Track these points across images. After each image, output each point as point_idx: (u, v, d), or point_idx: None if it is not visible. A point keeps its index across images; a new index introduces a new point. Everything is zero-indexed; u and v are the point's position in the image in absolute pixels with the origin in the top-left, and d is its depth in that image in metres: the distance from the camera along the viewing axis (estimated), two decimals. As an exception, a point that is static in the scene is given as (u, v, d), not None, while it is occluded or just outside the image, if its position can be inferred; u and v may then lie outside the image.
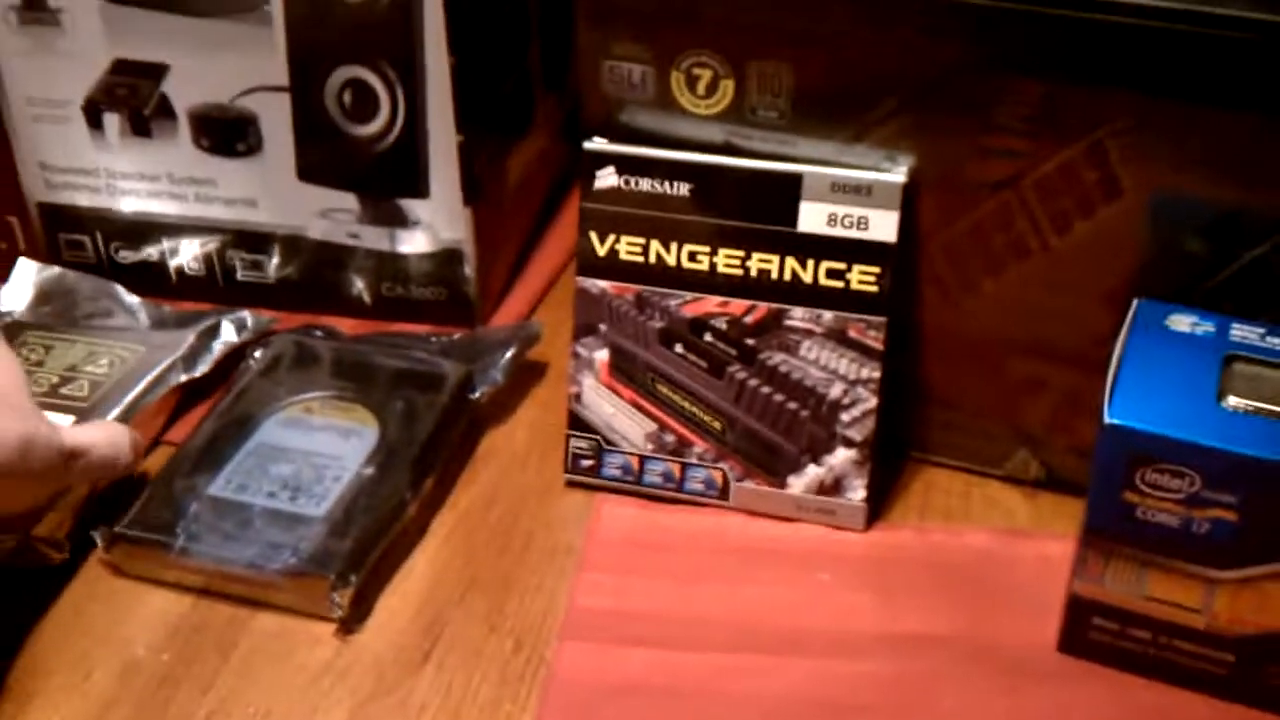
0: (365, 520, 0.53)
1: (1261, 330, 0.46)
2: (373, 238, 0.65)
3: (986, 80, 0.48)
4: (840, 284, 0.52)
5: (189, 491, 0.54)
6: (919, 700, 0.48)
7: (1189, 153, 0.47)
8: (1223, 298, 0.49)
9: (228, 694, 0.48)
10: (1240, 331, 0.46)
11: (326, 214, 0.65)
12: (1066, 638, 0.49)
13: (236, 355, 0.63)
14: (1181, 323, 0.47)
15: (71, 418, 0.57)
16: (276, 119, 0.62)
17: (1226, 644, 0.46)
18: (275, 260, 0.67)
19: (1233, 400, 0.44)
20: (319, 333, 0.64)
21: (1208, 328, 0.47)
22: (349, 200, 0.64)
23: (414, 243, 0.64)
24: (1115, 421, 0.43)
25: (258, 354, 0.62)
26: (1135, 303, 0.48)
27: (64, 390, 0.59)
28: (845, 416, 0.53)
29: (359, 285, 0.67)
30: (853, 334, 0.52)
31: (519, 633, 0.50)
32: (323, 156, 0.63)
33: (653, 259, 0.54)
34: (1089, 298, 0.51)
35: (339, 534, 0.52)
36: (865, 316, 0.52)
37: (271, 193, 0.64)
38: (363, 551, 0.52)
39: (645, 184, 0.54)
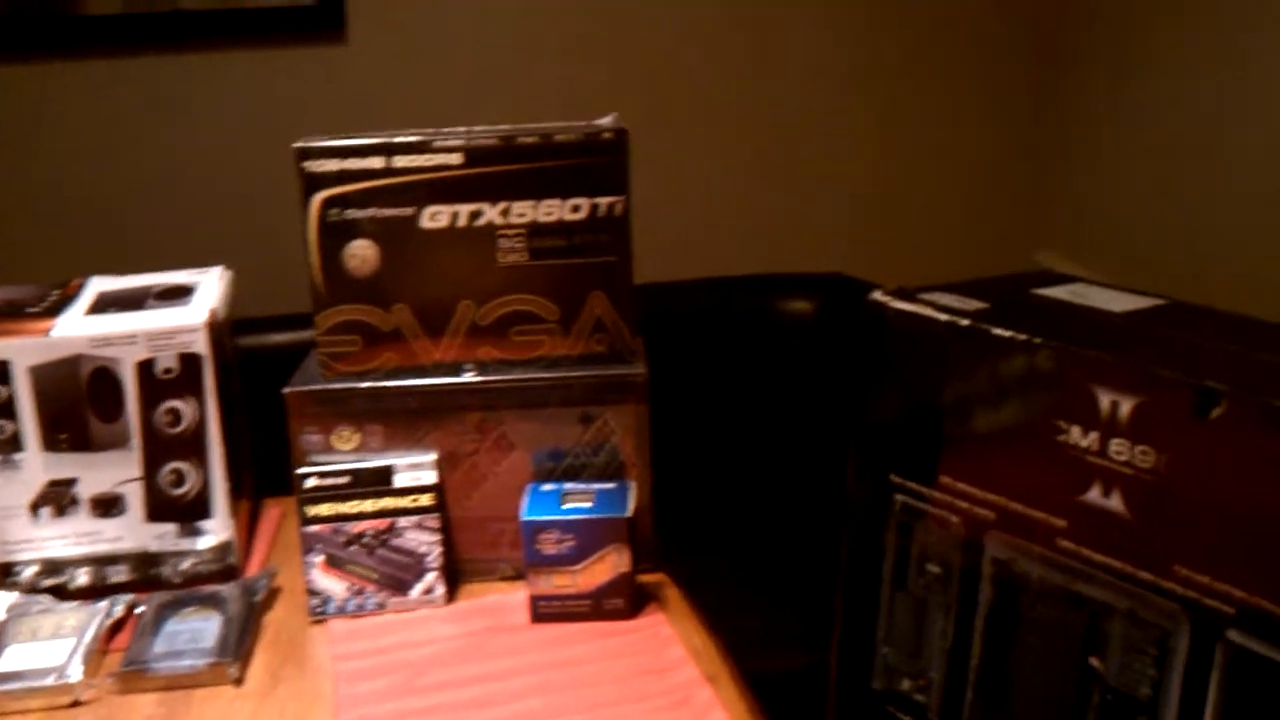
0: (232, 643, 1.22)
1: (581, 485, 1.28)
2: (185, 544, 1.34)
3: (465, 416, 1.29)
4: (415, 504, 1.29)
5: (148, 647, 1.21)
6: (478, 649, 1.23)
7: (534, 432, 1.30)
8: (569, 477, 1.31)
9: (203, 707, 1.15)
10: (569, 486, 1.28)
11: (161, 537, 1.34)
12: (533, 613, 1.26)
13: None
14: (545, 486, 1.28)
15: (73, 639, 1.22)
16: (135, 493, 1.32)
17: (587, 595, 1.25)
18: (130, 567, 1.34)
19: (566, 504, 1.25)
20: (166, 594, 1.32)
21: (555, 488, 1.28)
22: (173, 527, 1.34)
23: (206, 543, 1.35)
24: (525, 517, 1.23)
25: (140, 608, 1.29)
26: (530, 484, 1.29)
27: (54, 638, 1.23)
28: (429, 559, 1.29)
29: (174, 570, 1.35)
30: (427, 524, 1.29)
31: (313, 662, 1.21)
32: (158, 507, 1.33)
33: (334, 511, 1.29)
34: (513, 490, 1.31)
35: (223, 650, 1.20)
36: (429, 515, 1.29)
37: (131, 532, 1.33)
38: (238, 650, 1.21)
39: (326, 480, 1.29)
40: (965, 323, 0.94)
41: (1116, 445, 0.84)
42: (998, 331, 0.91)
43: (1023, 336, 0.90)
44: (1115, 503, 0.84)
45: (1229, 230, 2.07)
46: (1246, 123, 2.00)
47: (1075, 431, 0.86)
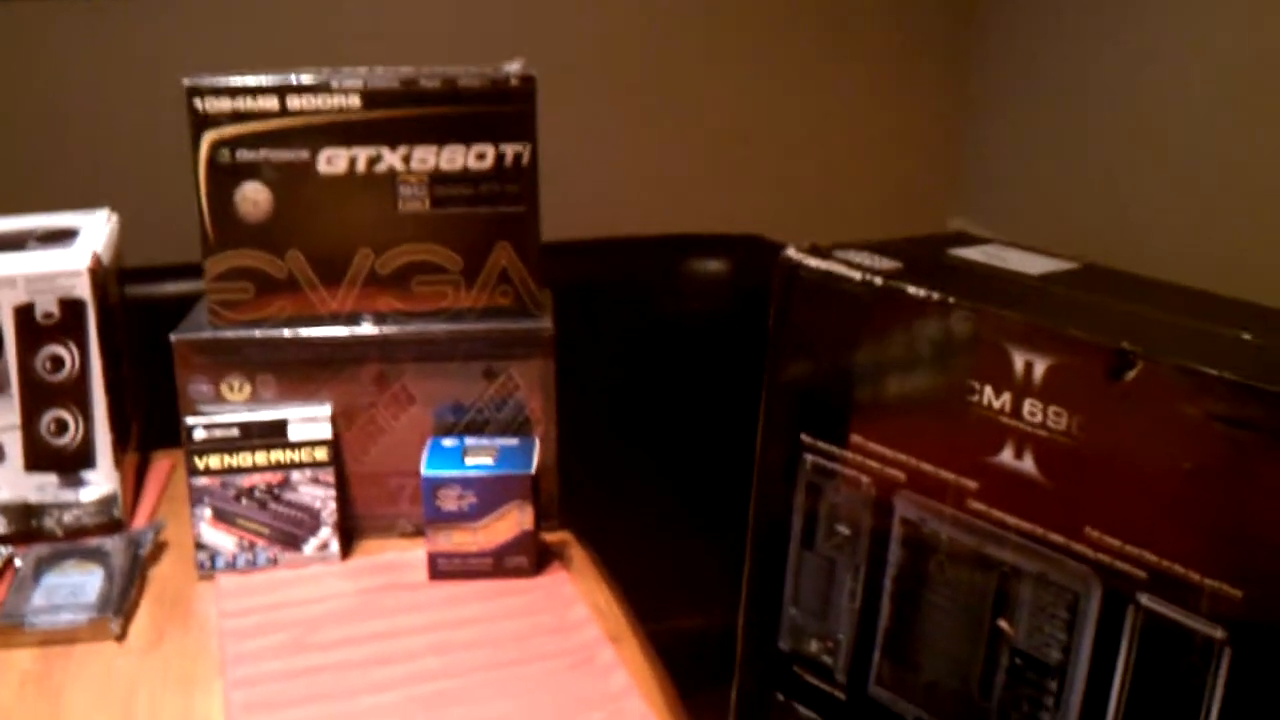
0: (115, 598, 1.17)
1: (484, 440, 1.25)
2: (67, 495, 1.29)
3: (363, 369, 1.25)
4: (310, 460, 1.25)
5: (25, 601, 1.15)
6: (373, 606, 1.19)
7: (436, 386, 1.26)
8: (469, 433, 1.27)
9: (83, 666, 1.10)
10: (471, 442, 1.25)
11: (41, 488, 1.28)
12: (432, 570, 1.23)
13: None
14: (447, 441, 1.25)
15: (-56, 593, 1.16)
16: (14, 441, 1.26)
17: (488, 553, 1.22)
18: (9, 519, 1.28)
19: (468, 459, 1.22)
20: (45, 546, 1.26)
21: (456, 443, 1.25)
22: (54, 478, 1.28)
23: (90, 494, 1.29)
24: (425, 472, 1.19)
25: (18, 561, 1.24)
26: (430, 439, 1.25)
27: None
28: (324, 514, 1.25)
29: (55, 522, 1.29)
30: (321, 478, 1.25)
31: (199, 618, 1.17)
32: (39, 456, 1.27)
33: (224, 465, 1.24)
34: (413, 445, 1.27)
35: (104, 605, 1.16)
36: (324, 469, 1.25)
37: (10, 482, 1.27)
38: (121, 605, 1.16)
39: (215, 432, 1.24)
40: (880, 282, 0.92)
41: (1030, 406, 0.83)
42: (912, 291, 0.90)
43: (937, 296, 0.88)
44: (1027, 464, 0.83)
45: (1144, 194, 2.08)
46: (1160, 86, 2.01)
47: (988, 392, 0.85)
